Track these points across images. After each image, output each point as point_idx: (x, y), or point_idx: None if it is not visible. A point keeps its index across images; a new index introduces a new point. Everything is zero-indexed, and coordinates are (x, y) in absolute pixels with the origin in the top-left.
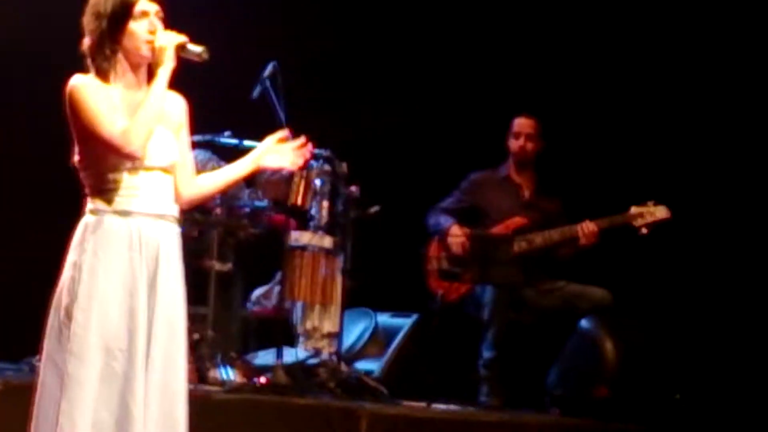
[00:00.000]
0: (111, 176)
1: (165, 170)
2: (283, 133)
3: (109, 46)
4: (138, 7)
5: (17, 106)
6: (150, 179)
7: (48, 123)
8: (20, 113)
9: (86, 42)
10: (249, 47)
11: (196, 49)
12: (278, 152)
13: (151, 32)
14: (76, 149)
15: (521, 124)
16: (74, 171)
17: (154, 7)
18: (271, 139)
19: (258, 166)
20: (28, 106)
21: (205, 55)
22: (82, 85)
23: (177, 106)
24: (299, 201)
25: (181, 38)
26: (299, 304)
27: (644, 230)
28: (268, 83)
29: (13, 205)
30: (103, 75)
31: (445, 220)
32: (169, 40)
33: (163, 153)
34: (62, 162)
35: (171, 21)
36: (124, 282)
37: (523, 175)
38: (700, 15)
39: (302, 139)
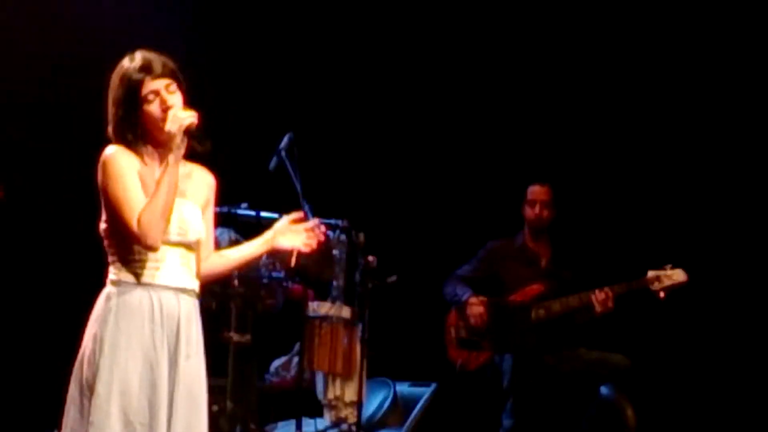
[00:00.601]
0: (136, 248)
1: (189, 246)
2: (298, 213)
3: (130, 130)
4: (145, 90)
5: (44, 168)
6: (174, 254)
7: (75, 190)
8: (45, 177)
9: (109, 129)
10: (265, 118)
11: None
12: (292, 233)
13: (164, 110)
14: (103, 217)
15: (536, 191)
16: (99, 239)
17: (162, 83)
18: (286, 219)
19: (272, 246)
20: (56, 168)
21: (207, 147)
22: (114, 160)
23: (205, 182)
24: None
25: (190, 119)
26: (320, 375)
27: (662, 294)
28: (284, 154)
29: (34, 275)
30: (132, 149)
31: (462, 291)
32: (177, 124)
33: (188, 229)
34: (86, 230)
35: (187, 93)
36: (145, 355)
37: (539, 243)
38: (719, 80)
39: (316, 221)
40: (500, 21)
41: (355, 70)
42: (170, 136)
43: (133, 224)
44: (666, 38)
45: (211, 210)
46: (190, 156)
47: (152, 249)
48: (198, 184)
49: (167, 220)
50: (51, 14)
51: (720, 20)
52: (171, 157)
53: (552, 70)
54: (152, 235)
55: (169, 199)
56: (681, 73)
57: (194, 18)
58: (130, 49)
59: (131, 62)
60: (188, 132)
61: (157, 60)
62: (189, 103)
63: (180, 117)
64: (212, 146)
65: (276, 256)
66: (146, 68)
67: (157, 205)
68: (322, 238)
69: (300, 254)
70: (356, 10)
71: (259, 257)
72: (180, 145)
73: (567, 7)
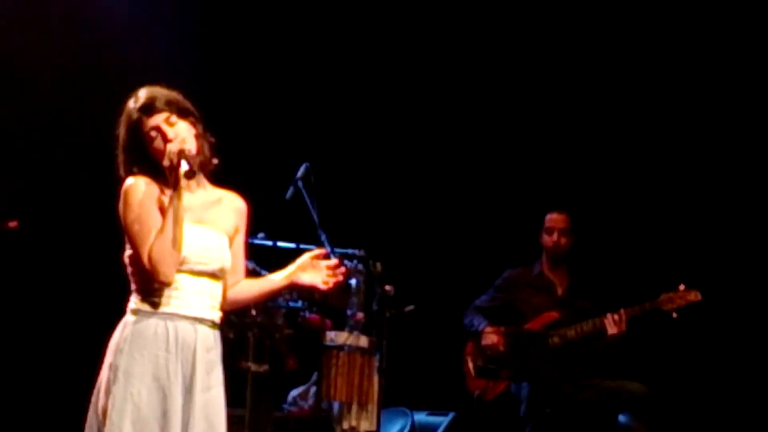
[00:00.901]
0: None
1: (213, 275)
2: (320, 250)
3: (138, 169)
4: (146, 128)
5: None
6: (195, 283)
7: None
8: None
9: (120, 171)
10: (282, 148)
11: (184, 166)
12: (313, 269)
13: (166, 143)
14: (127, 245)
15: (554, 219)
16: (122, 267)
17: (161, 117)
18: (307, 256)
19: (292, 282)
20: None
21: (189, 174)
22: (133, 192)
23: (234, 209)
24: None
25: (179, 149)
26: (337, 404)
27: (675, 314)
28: (301, 184)
29: (60, 303)
30: (152, 178)
31: (478, 322)
32: (168, 159)
33: (213, 259)
34: (111, 258)
35: (198, 118)
36: (158, 384)
37: (557, 271)
38: (730, 102)
39: (336, 260)
40: (520, 52)
41: (371, 100)
42: (166, 171)
43: (145, 259)
44: (692, 69)
45: (241, 236)
46: (220, 181)
47: (165, 283)
48: (226, 211)
49: (176, 254)
50: (77, 41)
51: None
52: (173, 194)
53: (568, 101)
54: (163, 270)
55: (175, 234)
56: (693, 102)
57: (212, 48)
58: (148, 83)
59: (134, 102)
60: (178, 160)
61: (158, 94)
62: (206, 130)
63: (171, 151)
64: (220, 162)
65: (297, 290)
66: (146, 107)
67: (164, 240)
68: (341, 278)
69: (317, 290)
70: (374, 41)
71: (281, 291)
72: (178, 180)
73: (593, 39)
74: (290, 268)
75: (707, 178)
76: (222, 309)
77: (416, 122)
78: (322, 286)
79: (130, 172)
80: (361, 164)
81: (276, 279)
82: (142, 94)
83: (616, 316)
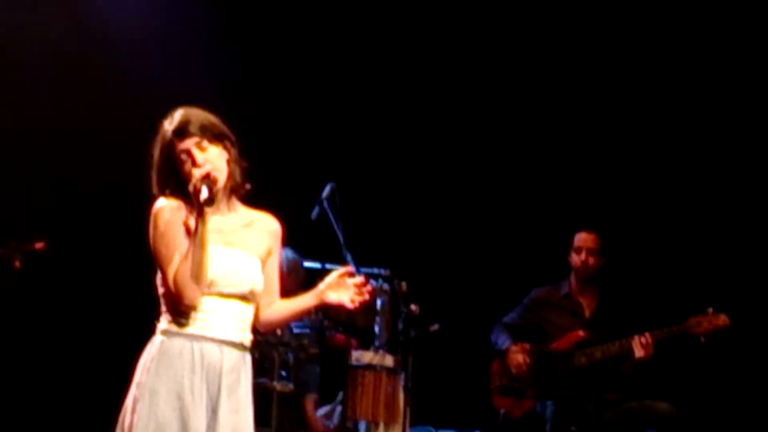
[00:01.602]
0: None
1: (243, 298)
2: (347, 268)
3: (166, 191)
4: (178, 150)
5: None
6: (225, 305)
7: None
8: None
9: (153, 189)
10: (307, 168)
11: (204, 193)
12: (341, 287)
13: (195, 167)
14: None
15: (583, 239)
16: (153, 288)
17: (192, 141)
18: (335, 274)
19: (321, 301)
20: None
21: (208, 201)
22: (161, 216)
23: (268, 231)
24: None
25: (202, 174)
26: (363, 424)
27: (703, 338)
28: (326, 204)
29: (92, 324)
30: (182, 200)
31: (503, 340)
32: (193, 185)
33: (242, 281)
34: (130, 282)
35: (232, 143)
36: (182, 404)
37: (585, 291)
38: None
39: (362, 278)
40: (551, 73)
41: (396, 119)
42: (192, 195)
43: (171, 282)
44: (727, 94)
45: (274, 258)
46: (246, 200)
47: (190, 306)
48: (259, 233)
49: (201, 277)
50: (107, 66)
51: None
52: (198, 219)
53: (600, 122)
54: (187, 295)
55: (198, 258)
56: (722, 126)
57: (240, 69)
58: (179, 103)
59: (169, 124)
60: (199, 186)
61: (192, 118)
62: (240, 154)
63: (194, 176)
64: (252, 188)
65: (325, 308)
66: (177, 130)
67: (188, 265)
68: (368, 297)
69: (344, 309)
70: (403, 61)
71: (311, 310)
72: (200, 202)
73: (631, 59)
74: (319, 287)
75: (738, 202)
76: (256, 330)
77: (442, 141)
78: (350, 305)
79: (162, 193)
80: (386, 184)
81: (306, 298)
82: (177, 115)
83: (643, 339)
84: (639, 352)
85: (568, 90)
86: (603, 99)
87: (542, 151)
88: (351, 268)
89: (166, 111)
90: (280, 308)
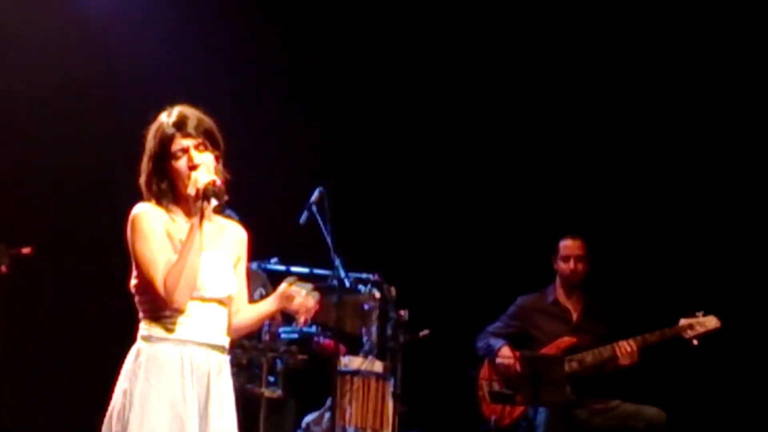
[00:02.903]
0: None
1: (221, 302)
2: (292, 278)
3: (157, 182)
4: (175, 146)
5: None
6: (205, 309)
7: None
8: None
9: (141, 179)
10: (295, 173)
11: (213, 202)
12: (291, 296)
13: (190, 168)
14: (134, 273)
15: (570, 246)
16: (130, 295)
17: (192, 142)
18: (286, 283)
19: (282, 306)
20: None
21: (218, 209)
22: (142, 219)
23: (237, 238)
24: None
25: (206, 181)
26: (352, 430)
27: (695, 342)
28: (314, 208)
29: (66, 331)
30: (162, 204)
31: (495, 342)
32: (195, 188)
33: (221, 286)
34: (117, 285)
35: (224, 152)
36: (175, 410)
37: (572, 297)
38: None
39: (310, 286)
40: (540, 77)
41: (384, 124)
42: (191, 199)
43: (159, 286)
44: (718, 96)
45: (242, 265)
46: (234, 205)
47: (178, 310)
48: (230, 240)
49: (193, 282)
50: (96, 71)
51: None
52: (195, 220)
53: (584, 128)
54: (177, 298)
55: (192, 263)
56: (708, 128)
57: (228, 72)
58: (168, 105)
59: (167, 117)
60: (206, 193)
61: (192, 117)
62: (224, 158)
63: (199, 180)
64: (226, 204)
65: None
66: (179, 125)
67: (181, 268)
68: (316, 306)
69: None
70: (391, 63)
71: (274, 314)
72: (199, 209)
73: (619, 62)
74: (274, 294)
75: (725, 204)
76: (230, 335)
77: (431, 148)
78: (302, 315)
79: (151, 184)
80: (375, 189)
81: (268, 302)
82: (178, 111)
83: (628, 348)
84: (624, 360)
85: (552, 97)
86: (586, 104)
87: (529, 157)
88: (294, 277)
89: (153, 113)
90: (248, 313)
